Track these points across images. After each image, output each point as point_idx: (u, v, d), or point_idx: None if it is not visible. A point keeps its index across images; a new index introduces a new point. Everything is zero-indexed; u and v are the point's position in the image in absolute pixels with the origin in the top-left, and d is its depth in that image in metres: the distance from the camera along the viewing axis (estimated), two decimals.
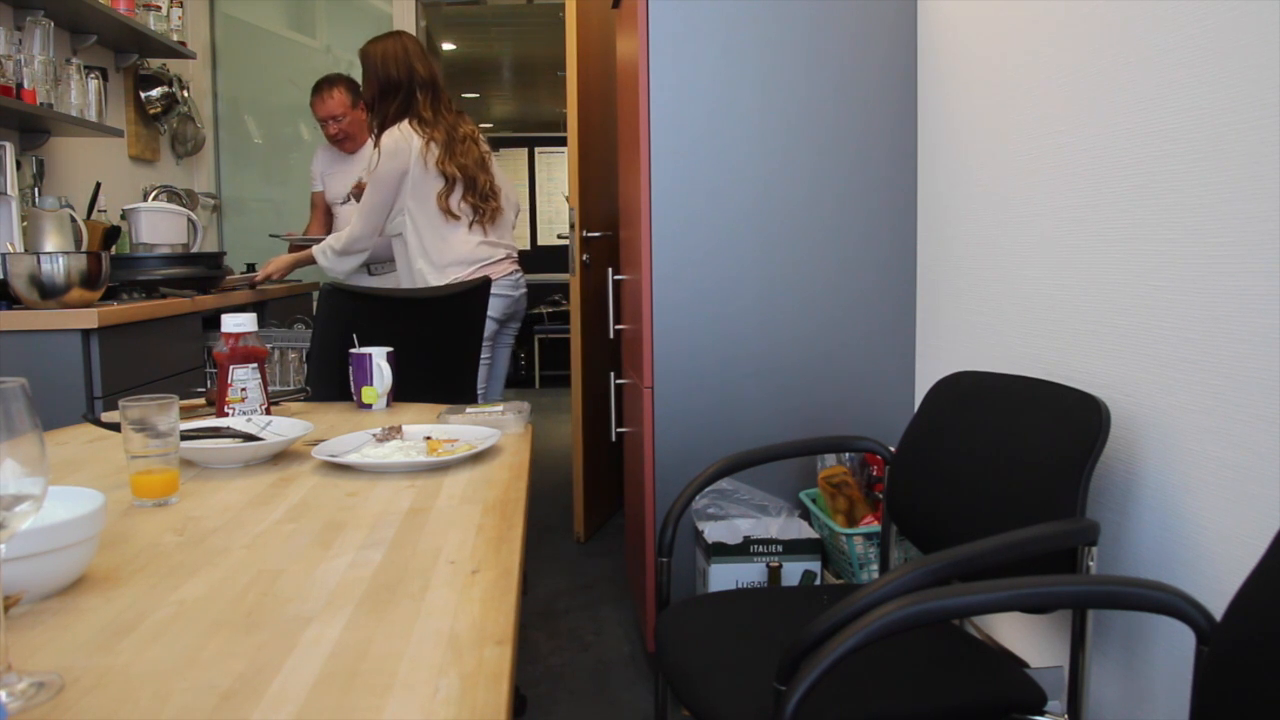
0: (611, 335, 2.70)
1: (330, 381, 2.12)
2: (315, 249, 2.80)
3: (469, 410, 1.55)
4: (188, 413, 1.51)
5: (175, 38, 3.48)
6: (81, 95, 2.86)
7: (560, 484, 4.00)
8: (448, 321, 2.43)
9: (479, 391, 2.72)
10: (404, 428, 1.38)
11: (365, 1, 4.25)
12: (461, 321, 2.47)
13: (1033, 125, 1.67)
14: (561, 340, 5.91)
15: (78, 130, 2.93)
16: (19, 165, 2.64)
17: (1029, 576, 1.07)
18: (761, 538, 2.01)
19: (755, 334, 2.18)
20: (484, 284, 2.52)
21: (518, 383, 7.38)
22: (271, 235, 3.46)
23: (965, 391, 1.62)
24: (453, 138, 2.72)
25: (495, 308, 2.73)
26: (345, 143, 3.25)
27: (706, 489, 1.91)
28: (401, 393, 1.76)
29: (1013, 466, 1.41)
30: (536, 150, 8.66)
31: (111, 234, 2.96)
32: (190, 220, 3.04)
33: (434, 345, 2.30)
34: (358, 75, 4.28)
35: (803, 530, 2.06)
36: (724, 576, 2.00)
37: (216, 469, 1.25)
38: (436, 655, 0.67)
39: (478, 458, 1.29)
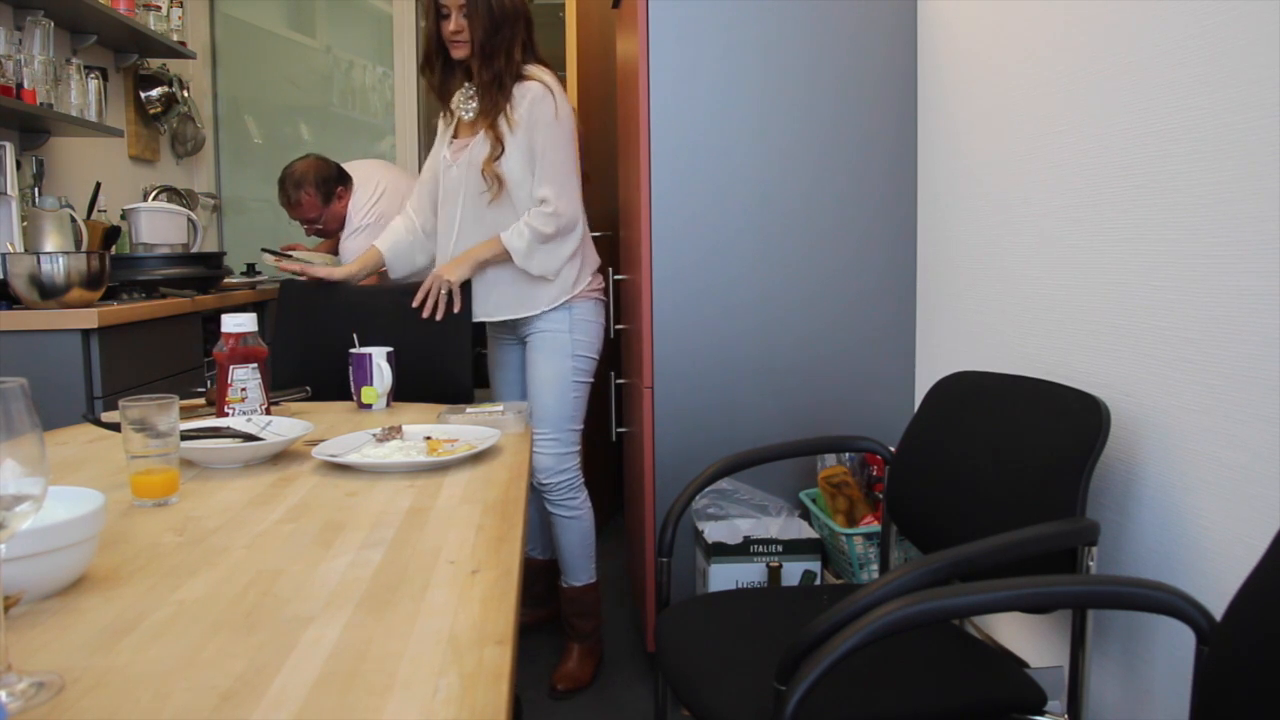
0: (611, 335, 2.70)
1: (291, 375, 2.13)
2: (506, 238, 2.07)
3: (469, 410, 1.55)
4: (188, 413, 1.51)
5: (175, 38, 3.48)
6: (81, 95, 2.86)
7: None
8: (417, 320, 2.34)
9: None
10: (404, 428, 1.38)
11: (365, 1, 4.25)
12: (433, 322, 2.35)
13: (1033, 125, 1.67)
14: None
15: (78, 130, 2.93)
16: (19, 165, 2.63)
17: (1029, 576, 1.07)
18: (761, 538, 2.01)
19: (755, 334, 2.18)
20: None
21: None
22: (264, 250, 3.21)
23: (965, 391, 1.62)
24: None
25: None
26: (327, 236, 2.93)
27: (706, 489, 1.91)
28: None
29: (1013, 466, 1.41)
30: None
31: (111, 234, 2.96)
32: (190, 220, 3.04)
33: (411, 343, 2.23)
34: (356, 75, 4.29)
35: (803, 530, 2.06)
36: (724, 576, 2.00)
37: (216, 469, 1.25)
38: (436, 655, 0.67)
39: (478, 458, 1.29)
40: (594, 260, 2.26)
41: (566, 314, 2.17)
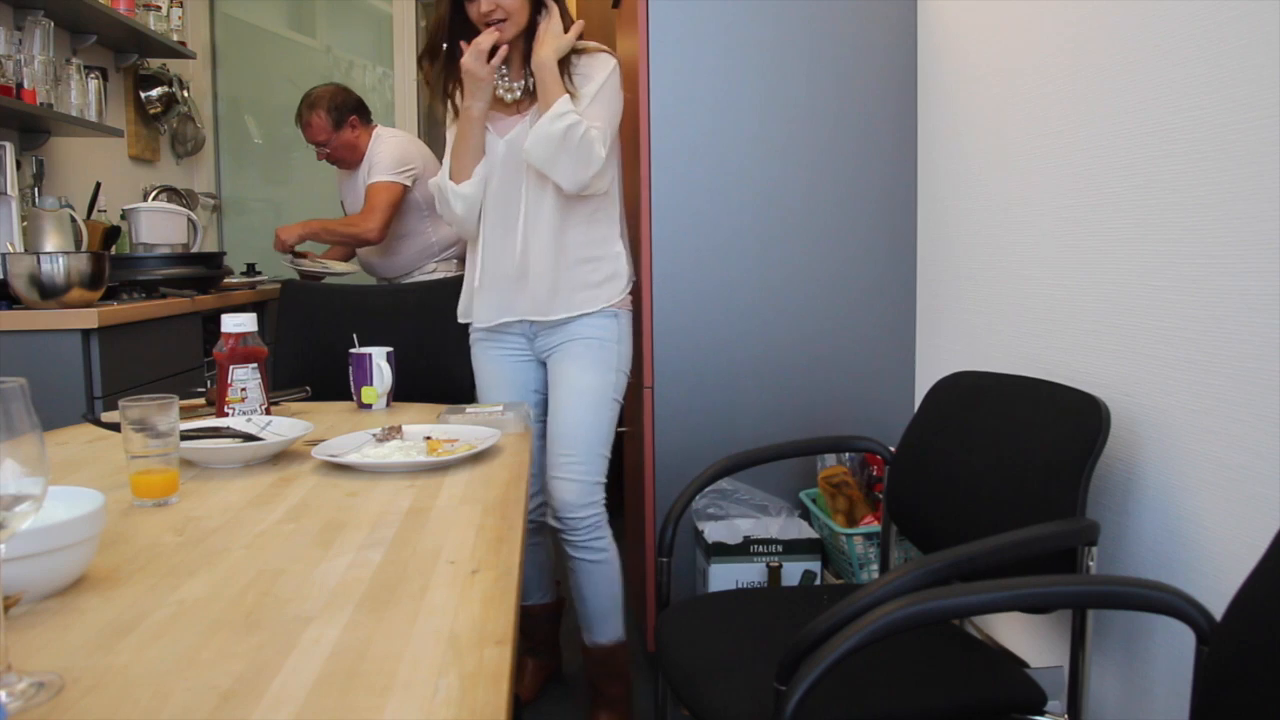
0: None
1: (291, 375, 2.12)
2: (564, 102, 1.78)
3: (469, 410, 1.55)
4: (188, 413, 1.51)
5: (175, 38, 3.48)
6: (81, 95, 2.86)
7: None
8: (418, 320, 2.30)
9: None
10: (404, 428, 1.38)
11: (365, 1, 4.25)
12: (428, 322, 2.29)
13: (1033, 125, 1.67)
14: None
15: (78, 130, 2.93)
16: (19, 165, 2.63)
17: (1029, 576, 1.07)
18: (761, 538, 2.01)
19: (755, 334, 2.18)
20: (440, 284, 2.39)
21: None
22: (291, 261, 3.08)
23: (965, 391, 1.62)
24: None
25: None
26: (339, 164, 2.98)
27: (706, 489, 1.91)
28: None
29: (1013, 466, 1.41)
30: None
31: (111, 234, 2.96)
32: (190, 220, 3.04)
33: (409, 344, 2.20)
34: (357, 76, 4.30)
35: (803, 530, 2.06)
36: (724, 576, 2.00)
37: (216, 469, 1.25)
38: (436, 655, 0.67)
39: (478, 458, 1.29)
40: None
41: (614, 321, 1.91)
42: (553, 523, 1.90)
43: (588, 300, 1.89)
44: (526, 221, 1.88)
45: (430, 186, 1.97)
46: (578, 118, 1.76)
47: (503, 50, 1.79)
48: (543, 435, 1.99)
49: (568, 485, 1.86)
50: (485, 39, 1.77)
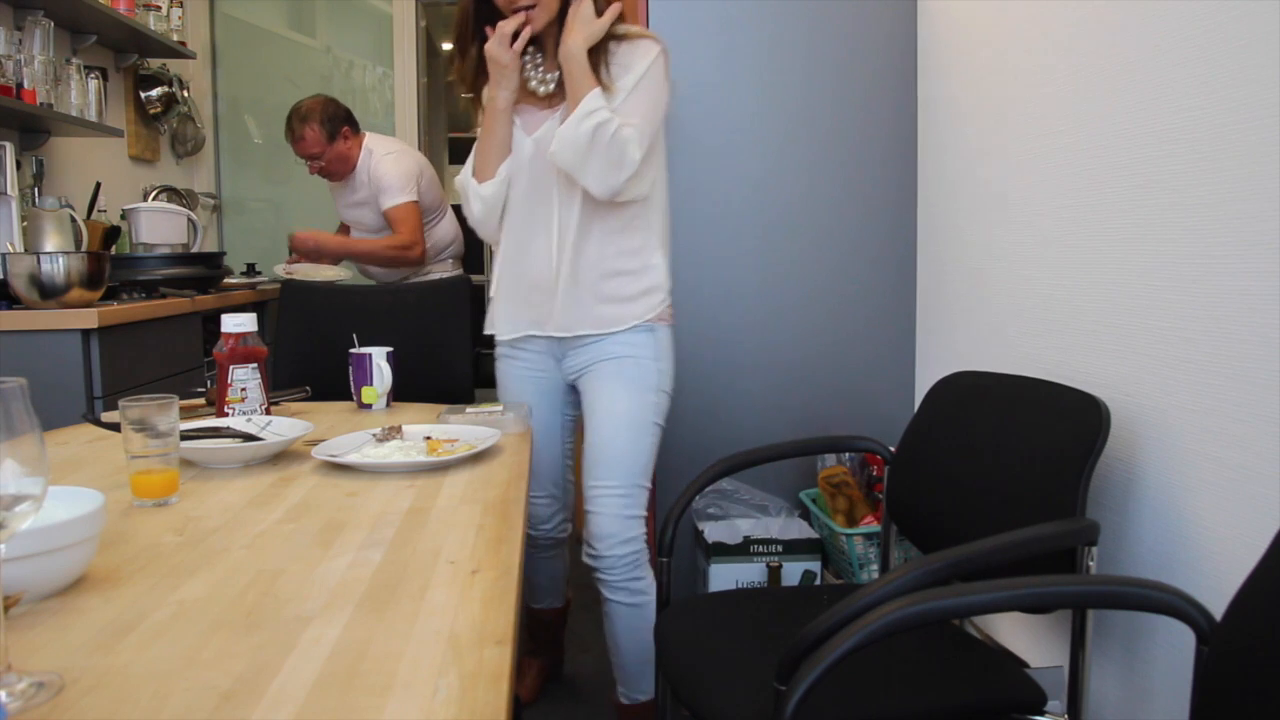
0: None
1: (291, 375, 2.12)
2: (595, 97, 1.60)
3: (469, 410, 1.55)
4: (188, 413, 1.51)
5: (175, 38, 3.48)
6: (81, 95, 2.86)
7: None
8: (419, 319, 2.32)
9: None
10: (404, 428, 1.38)
11: (365, 1, 4.25)
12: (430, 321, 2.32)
13: (1033, 125, 1.67)
14: None
15: (78, 130, 2.93)
16: (19, 165, 2.63)
17: (1029, 576, 1.07)
18: (761, 538, 2.01)
19: (755, 334, 2.17)
20: (450, 282, 2.42)
21: None
22: (284, 268, 3.08)
23: (965, 391, 1.62)
24: None
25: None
26: (330, 176, 2.98)
27: (706, 489, 1.91)
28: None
29: (1012, 466, 1.41)
30: None
31: (111, 234, 2.96)
32: (190, 220, 3.04)
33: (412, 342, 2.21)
34: (356, 75, 4.30)
35: (803, 530, 2.06)
36: (724, 576, 2.00)
37: (216, 469, 1.25)
38: (436, 655, 0.67)
39: (478, 458, 1.29)
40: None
41: (650, 337, 1.75)
42: (588, 560, 1.74)
43: (616, 317, 1.74)
44: (553, 228, 1.72)
45: (455, 184, 1.89)
46: (608, 115, 1.59)
47: (526, 31, 1.64)
48: (571, 456, 1.95)
49: (605, 518, 1.70)
50: (510, 23, 1.64)
